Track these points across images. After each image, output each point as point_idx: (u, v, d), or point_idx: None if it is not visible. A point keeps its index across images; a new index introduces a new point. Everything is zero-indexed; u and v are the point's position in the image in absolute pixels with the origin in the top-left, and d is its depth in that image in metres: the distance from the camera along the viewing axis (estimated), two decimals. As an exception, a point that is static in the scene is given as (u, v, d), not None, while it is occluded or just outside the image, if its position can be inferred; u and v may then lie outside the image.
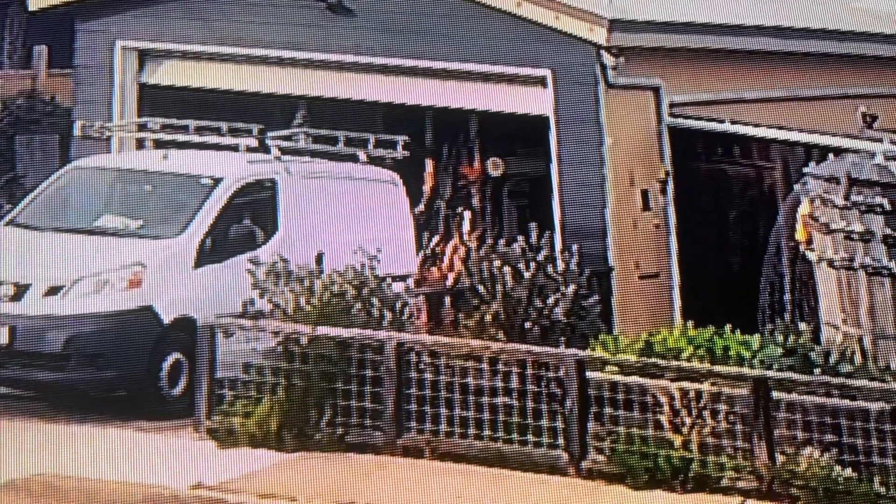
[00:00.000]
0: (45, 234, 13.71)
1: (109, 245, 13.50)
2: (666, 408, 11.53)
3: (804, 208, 13.05)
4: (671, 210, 14.99)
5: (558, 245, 14.35)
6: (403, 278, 13.90)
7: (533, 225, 13.90)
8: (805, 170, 13.30)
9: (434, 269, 14.45)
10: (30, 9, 16.88)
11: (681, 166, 15.10)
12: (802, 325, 12.29)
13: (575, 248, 13.76)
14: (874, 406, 11.21)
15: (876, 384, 11.41)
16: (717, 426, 11.41)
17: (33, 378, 13.15)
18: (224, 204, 13.79)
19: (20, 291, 13.18)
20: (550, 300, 13.11)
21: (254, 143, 14.61)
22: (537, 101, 15.04)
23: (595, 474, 11.61)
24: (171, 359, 13.24)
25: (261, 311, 12.81)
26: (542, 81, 15.00)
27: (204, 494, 11.36)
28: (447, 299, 13.87)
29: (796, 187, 13.62)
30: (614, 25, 14.70)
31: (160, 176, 14.08)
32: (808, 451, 11.20)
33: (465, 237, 14.74)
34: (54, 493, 11.39)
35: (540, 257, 13.43)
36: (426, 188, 15.99)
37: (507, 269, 13.16)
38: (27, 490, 11.44)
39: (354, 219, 14.27)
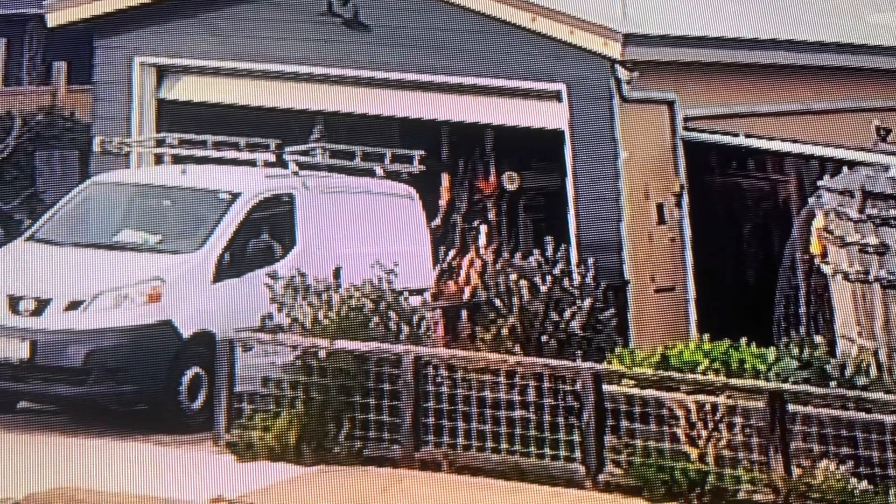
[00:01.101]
0: (66, 249, 13.78)
1: (129, 260, 13.57)
2: (682, 421, 11.55)
3: (819, 221, 13.07)
4: (686, 223, 15.03)
5: (574, 259, 14.41)
6: (420, 292, 13.96)
7: (549, 239, 13.96)
8: (819, 183, 13.32)
9: (451, 282, 14.53)
10: (49, 25, 16.99)
11: (695, 180, 15.13)
12: (818, 338, 12.31)
13: (591, 261, 13.80)
14: (890, 418, 11.22)
15: (891, 397, 11.42)
16: (733, 439, 11.44)
17: (54, 392, 13.21)
18: (242, 219, 13.86)
19: (41, 306, 13.26)
20: (567, 314, 13.15)
21: (271, 158, 14.67)
22: (552, 116, 15.08)
23: (612, 487, 11.63)
24: (190, 373, 13.30)
25: (279, 325, 12.86)
26: (556, 96, 15.05)
27: (223, 508, 11.44)
28: (464, 313, 13.94)
29: (811, 200, 13.65)
30: (629, 40, 14.74)
31: (179, 191, 14.15)
32: (824, 463, 11.22)
33: (482, 251, 14.81)
34: (75, 507, 11.48)
35: (556, 271, 13.48)
36: (442, 202, 16.04)
37: (523, 282, 13.20)
38: (48, 503, 11.50)
39: (371, 233, 14.33)
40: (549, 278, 13.37)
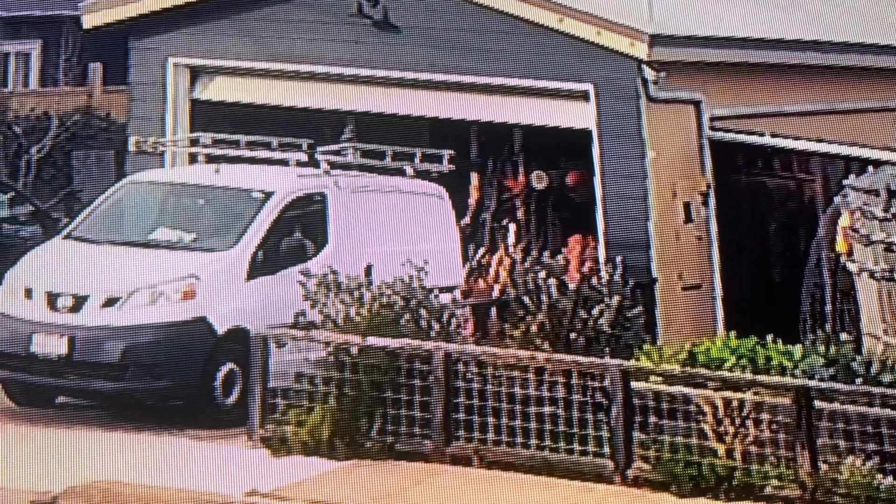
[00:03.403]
0: (102, 247, 13.88)
1: (164, 258, 13.67)
2: (709, 417, 11.60)
3: (844, 220, 13.13)
4: (713, 222, 15.09)
5: (602, 257, 14.51)
6: (450, 290, 14.04)
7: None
8: (845, 182, 13.36)
9: (480, 280, 14.62)
10: (84, 27, 17.14)
11: (722, 179, 15.19)
12: (844, 336, 12.37)
13: (619, 259, 13.87)
14: (915, 415, 11.29)
15: (917, 394, 11.49)
16: (760, 435, 11.49)
17: (92, 387, 13.34)
18: (275, 217, 13.95)
19: (78, 303, 13.39)
20: (595, 311, 13.21)
21: (304, 157, 14.74)
22: (580, 115, 15.15)
23: (640, 482, 11.69)
24: (224, 368, 13.39)
25: (312, 321, 12.95)
26: (584, 96, 15.11)
27: (258, 501, 11.47)
28: (493, 310, 14.03)
29: (836, 199, 13.68)
30: (655, 40, 14.81)
31: (213, 190, 14.24)
32: (850, 459, 11.25)
33: (511, 249, 14.91)
34: (112, 500, 11.53)
35: (584, 269, 13.57)
36: (472, 201, 16.11)
37: (551, 280, 13.29)
38: (86, 497, 11.57)
39: (402, 231, 14.43)
40: (577, 276, 13.44)
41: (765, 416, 11.50)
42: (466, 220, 15.86)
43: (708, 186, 15.13)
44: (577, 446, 11.91)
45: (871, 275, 12.82)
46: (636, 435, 11.73)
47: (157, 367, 13.22)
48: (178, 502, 11.47)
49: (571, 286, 13.31)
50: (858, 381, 11.68)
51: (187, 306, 13.37)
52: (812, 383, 11.53)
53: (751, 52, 15.42)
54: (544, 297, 13.17)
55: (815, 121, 15.46)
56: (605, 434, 11.83)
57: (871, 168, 13.75)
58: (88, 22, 16.94)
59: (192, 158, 15.56)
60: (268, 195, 14.04)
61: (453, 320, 13.12)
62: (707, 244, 15.04)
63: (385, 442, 12.34)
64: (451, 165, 15.01)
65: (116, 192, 14.62)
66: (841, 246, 13.18)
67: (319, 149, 14.90)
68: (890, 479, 11.21)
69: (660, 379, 11.80)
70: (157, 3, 16.47)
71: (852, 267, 13.07)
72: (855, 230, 12.92)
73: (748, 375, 11.68)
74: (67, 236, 14.25)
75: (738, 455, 11.51)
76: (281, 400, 12.65)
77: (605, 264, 13.86)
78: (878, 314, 12.82)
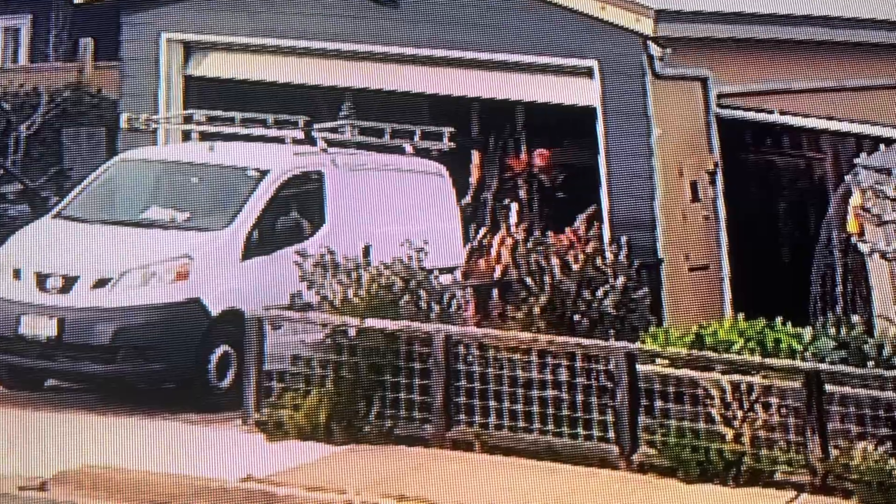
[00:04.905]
0: (93, 227, 13.78)
1: (156, 237, 13.56)
2: (717, 401, 11.50)
3: (855, 199, 12.98)
4: (720, 201, 14.97)
5: (607, 237, 14.34)
6: (451, 270, 13.93)
7: (581, 216, 13.86)
8: (856, 161, 13.22)
9: (481, 261, 14.48)
10: (75, 1, 17.00)
11: (730, 157, 15.06)
12: (855, 318, 12.22)
13: (624, 239, 13.73)
14: (929, 399, 11.14)
15: (930, 377, 11.33)
16: (769, 419, 11.38)
17: (82, 370, 13.21)
18: (271, 196, 13.82)
19: (69, 283, 13.25)
20: (599, 292, 13.09)
21: (300, 135, 14.63)
22: (584, 92, 15.02)
23: (646, 467, 11.59)
24: (219, 351, 13.27)
25: (308, 303, 12.84)
26: (588, 72, 14.98)
27: (252, 487, 11.39)
28: (495, 291, 13.89)
29: (847, 178, 13.55)
30: (661, 16, 14.66)
31: (207, 168, 14.13)
32: (861, 444, 11.15)
33: (513, 229, 14.76)
34: (104, 485, 11.46)
35: (588, 249, 13.40)
36: (473, 180, 16.01)
37: (554, 260, 13.13)
38: (76, 482, 11.51)
39: (401, 211, 14.28)
40: (581, 256, 13.28)
41: (774, 400, 11.38)
42: (467, 199, 15.72)
43: (715, 165, 14.99)
44: (581, 431, 11.81)
45: (883, 255, 12.69)
46: (642, 419, 11.62)
47: (149, 349, 13.11)
48: (171, 487, 11.37)
49: (575, 267, 13.12)
50: (870, 363, 11.52)
51: (180, 287, 13.23)
52: (823, 366, 11.43)
53: (759, 27, 15.27)
54: (547, 278, 13.01)
55: (826, 98, 15.31)
56: (609, 418, 11.73)
57: (882, 146, 13.58)
58: (79, -4, 16.83)
59: (186, 136, 15.46)
60: (263, 173, 13.90)
61: (454, 302, 13.00)
62: (714, 224, 14.92)
63: (384, 426, 12.22)
64: (452, 143, 14.92)
65: (108, 170, 14.51)
66: (852, 226, 13.04)
67: (316, 126, 14.75)
68: (903, 464, 11.03)
69: (666, 362, 11.70)
70: (150, -23, 16.33)
71: (863, 247, 12.93)
72: (866, 210, 12.77)
73: (757, 358, 11.55)
74: (57, 215, 14.14)
75: (746, 440, 11.39)
76: (277, 383, 12.56)
77: (610, 245, 13.70)
78: (891, 295, 12.68)
